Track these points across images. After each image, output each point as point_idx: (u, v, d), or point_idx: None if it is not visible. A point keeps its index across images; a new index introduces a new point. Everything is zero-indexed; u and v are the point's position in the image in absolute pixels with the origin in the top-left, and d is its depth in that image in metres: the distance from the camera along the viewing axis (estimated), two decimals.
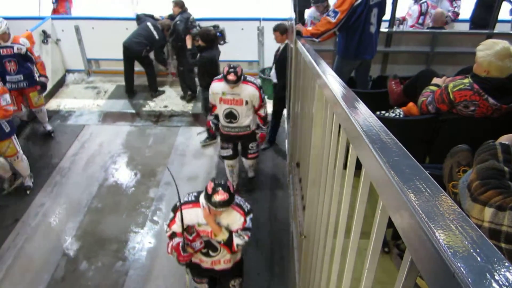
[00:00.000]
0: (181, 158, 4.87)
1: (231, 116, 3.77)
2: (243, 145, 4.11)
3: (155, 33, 5.72)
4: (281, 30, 4.43)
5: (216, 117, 3.92)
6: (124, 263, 3.60)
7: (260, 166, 4.77)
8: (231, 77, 3.44)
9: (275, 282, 3.45)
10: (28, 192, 4.38)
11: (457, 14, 5.74)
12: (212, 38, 4.48)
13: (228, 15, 7.20)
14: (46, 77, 4.94)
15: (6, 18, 5.88)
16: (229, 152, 4.09)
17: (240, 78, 3.50)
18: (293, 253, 3.01)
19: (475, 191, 1.23)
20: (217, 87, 3.70)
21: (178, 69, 6.06)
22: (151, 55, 5.98)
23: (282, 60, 4.42)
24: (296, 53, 3.09)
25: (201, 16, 6.02)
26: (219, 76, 3.72)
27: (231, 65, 3.48)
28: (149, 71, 6.08)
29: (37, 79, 4.87)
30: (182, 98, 6.15)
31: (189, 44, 4.62)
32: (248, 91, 3.63)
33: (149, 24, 5.73)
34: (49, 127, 5.34)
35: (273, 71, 4.71)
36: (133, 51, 5.69)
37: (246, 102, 3.67)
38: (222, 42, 4.90)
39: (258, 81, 3.74)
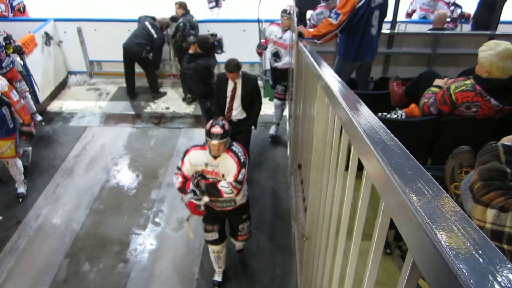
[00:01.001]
0: None
1: None
2: (230, 223, 3.35)
3: (153, 31, 5.70)
4: (238, 68, 3.92)
5: (194, 192, 3.09)
6: (126, 265, 3.60)
7: (262, 167, 4.77)
8: (216, 129, 2.72)
9: (277, 284, 3.44)
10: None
11: (456, 20, 5.62)
12: (209, 46, 4.46)
13: (230, 16, 7.23)
14: (29, 125, 4.12)
15: (9, 20, 5.94)
16: (214, 236, 3.25)
17: (226, 135, 2.76)
18: (294, 255, 3.01)
19: (477, 193, 1.22)
20: (198, 157, 2.92)
21: (179, 71, 6.07)
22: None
23: (250, 97, 4.17)
24: (297, 55, 3.09)
25: (203, 18, 6.03)
26: (199, 143, 2.97)
27: (216, 119, 2.83)
28: (150, 73, 6.07)
29: (18, 128, 4.04)
30: (184, 99, 6.15)
31: (192, 50, 4.61)
32: (226, 165, 2.87)
33: (147, 23, 5.71)
34: (20, 190, 4.26)
35: (239, 109, 4.20)
36: (133, 53, 5.67)
37: (223, 175, 2.92)
38: (219, 51, 4.88)
39: (243, 158, 2.92)
